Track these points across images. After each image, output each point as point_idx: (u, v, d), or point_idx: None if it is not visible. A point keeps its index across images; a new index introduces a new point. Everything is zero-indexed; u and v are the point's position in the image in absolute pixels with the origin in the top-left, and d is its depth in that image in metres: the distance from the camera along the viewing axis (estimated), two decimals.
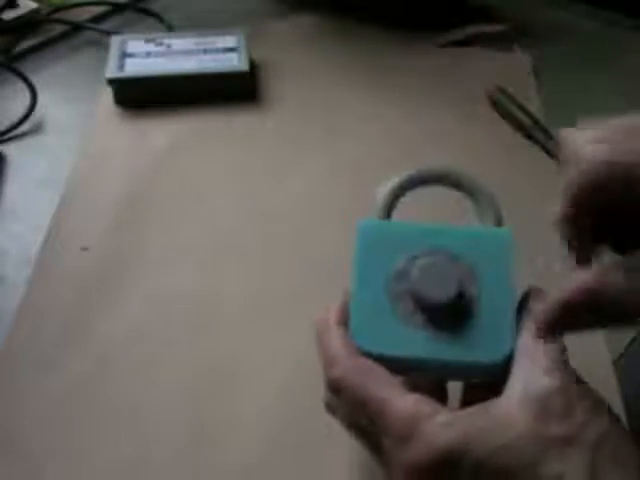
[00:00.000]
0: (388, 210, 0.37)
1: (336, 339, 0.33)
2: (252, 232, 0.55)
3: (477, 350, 0.32)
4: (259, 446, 0.42)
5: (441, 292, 0.33)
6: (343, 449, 0.40)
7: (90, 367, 0.46)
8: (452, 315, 0.33)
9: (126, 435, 0.43)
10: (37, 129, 0.65)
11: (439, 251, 0.35)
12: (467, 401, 0.33)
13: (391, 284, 0.34)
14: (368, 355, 0.32)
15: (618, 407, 0.43)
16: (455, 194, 0.38)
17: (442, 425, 0.29)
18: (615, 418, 0.29)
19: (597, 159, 0.32)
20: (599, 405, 0.29)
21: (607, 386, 0.44)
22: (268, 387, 0.45)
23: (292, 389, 0.45)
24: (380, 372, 0.31)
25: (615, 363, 0.45)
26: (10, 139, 0.64)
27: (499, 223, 0.36)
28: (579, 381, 0.30)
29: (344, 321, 0.34)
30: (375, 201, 0.37)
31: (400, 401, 0.30)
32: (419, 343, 0.33)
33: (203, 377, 0.46)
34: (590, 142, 0.33)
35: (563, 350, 0.31)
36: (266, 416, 0.44)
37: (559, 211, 0.34)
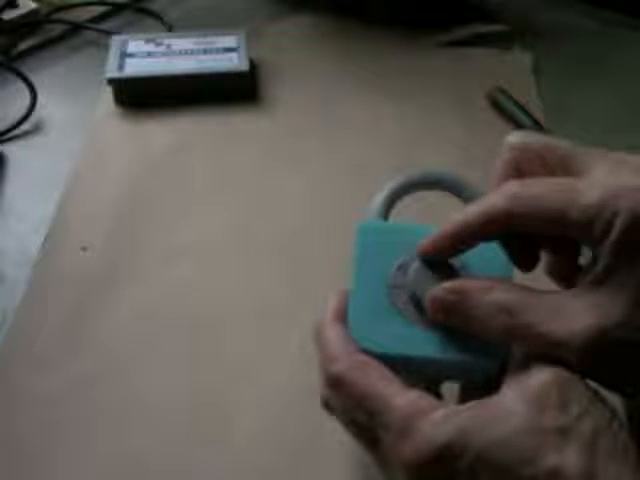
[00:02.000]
0: (385, 213, 0.37)
1: (335, 336, 0.33)
2: (252, 232, 0.55)
3: (475, 348, 0.32)
4: (258, 446, 0.42)
5: None
6: (342, 450, 0.41)
7: (90, 367, 0.46)
8: None
9: (125, 435, 0.43)
10: (37, 129, 0.65)
11: None
12: (465, 401, 0.33)
13: (390, 283, 0.34)
14: (367, 353, 0.33)
15: (618, 407, 0.43)
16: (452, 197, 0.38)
17: (440, 420, 0.29)
18: (612, 412, 0.29)
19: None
20: (596, 399, 0.29)
21: None
22: (268, 388, 0.45)
23: (292, 390, 0.45)
24: (380, 368, 0.32)
25: None
26: (10, 139, 0.64)
27: None
28: (575, 375, 0.30)
29: (341, 319, 0.34)
30: (371, 206, 0.38)
31: (400, 397, 0.30)
32: (417, 342, 0.33)
33: (203, 377, 0.46)
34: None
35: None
36: (266, 416, 0.44)
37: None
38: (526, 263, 0.34)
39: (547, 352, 0.30)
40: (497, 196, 0.31)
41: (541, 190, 0.31)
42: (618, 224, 0.28)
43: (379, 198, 0.38)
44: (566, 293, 0.31)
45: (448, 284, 0.32)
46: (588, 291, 0.30)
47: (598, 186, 0.29)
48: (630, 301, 0.28)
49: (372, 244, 0.36)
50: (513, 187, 0.31)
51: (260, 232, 0.55)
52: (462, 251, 0.33)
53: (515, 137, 0.34)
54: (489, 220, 0.31)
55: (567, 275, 0.34)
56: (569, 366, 0.29)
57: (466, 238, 0.33)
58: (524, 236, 0.33)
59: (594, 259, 0.30)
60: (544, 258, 0.35)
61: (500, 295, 0.31)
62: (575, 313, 0.29)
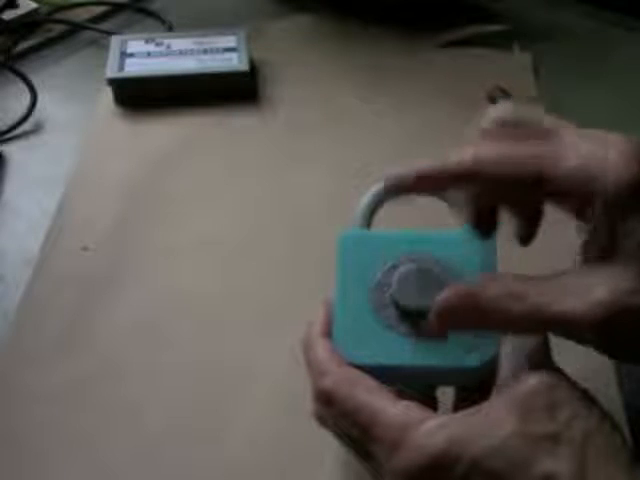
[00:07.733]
0: (367, 220, 0.37)
1: (322, 351, 0.33)
2: (252, 231, 0.55)
3: (462, 354, 0.32)
4: (259, 446, 0.42)
5: (422, 298, 0.33)
6: (341, 450, 0.40)
7: (90, 367, 0.46)
8: None
9: (126, 435, 0.43)
10: (37, 129, 0.65)
11: (420, 257, 0.35)
12: (459, 407, 0.33)
13: (373, 293, 0.34)
14: (354, 366, 0.32)
15: (618, 406, 0.43)
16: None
17: (431, 430, 0.29)
18: (603, 413, 0.29)
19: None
20: (585, 402, 0.29)
21: (607, 385, 0.44)
22: (270, 388, 0.45)
23: (292, 390, 0.45)
24: (368, 381, 0.32)
25: (615, 362, 0.45)
26: (10, 139, 0.64)
27: None
28: (564, 379, 0.30)
29: (328, 332, 0.34)
30: (355, 211, 0.37)
31: (390, 409, 0.30)
32: (403, 351, 0.33)
33: (205, 376, 0.46)
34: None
35: (547, 348, 0.31)
36: (267, 416, 0.44)
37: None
38: (486, 228, 0.34)
39: (564, 332, 0.29)
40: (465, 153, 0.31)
41: (513, 149, 0.30)
42: (602, 192, 0.28)
43: (361, 205, 0.37)
44: (572, 272, 0.30)
45: (450, 291, 0.31)
46: (597, 265, 0.29)
47: (574, 151, 0.30)
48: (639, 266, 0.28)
49: (354, 254, 0.35)
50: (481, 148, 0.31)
51: (260, 232, 0.55)
52: (424, 192, 0.33)
53: (495, 111, 0.34)
54: (462, 170, 0.31)
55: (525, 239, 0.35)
56: (593, 345, 0.29)
57: (434, 180, 0.32)
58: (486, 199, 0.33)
59: (591, 233, 0.29)
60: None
61: (506, 285, 0.30)
62: (586, 289, 0.28)
